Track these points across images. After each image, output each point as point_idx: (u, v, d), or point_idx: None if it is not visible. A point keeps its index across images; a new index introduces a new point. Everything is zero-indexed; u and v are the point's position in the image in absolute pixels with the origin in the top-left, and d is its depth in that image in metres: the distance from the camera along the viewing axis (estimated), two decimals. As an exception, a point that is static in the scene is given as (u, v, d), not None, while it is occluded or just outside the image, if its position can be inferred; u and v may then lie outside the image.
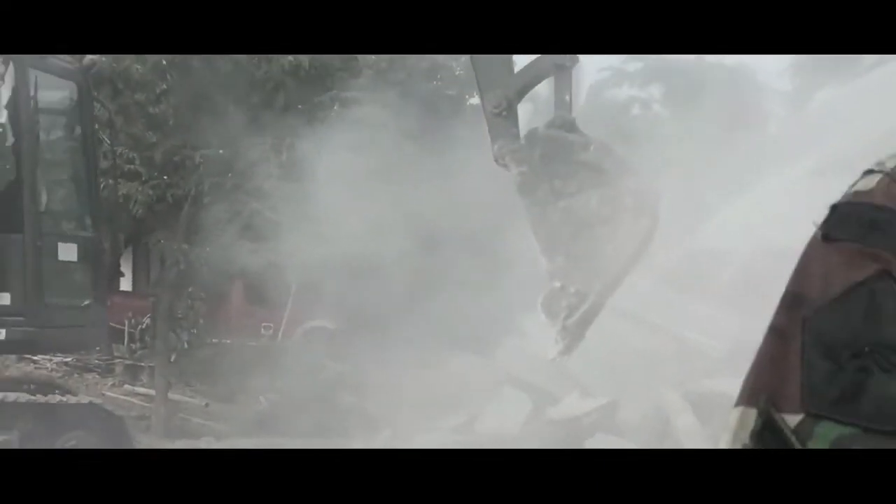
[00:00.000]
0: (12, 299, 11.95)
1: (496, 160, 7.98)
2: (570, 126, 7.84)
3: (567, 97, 7.92)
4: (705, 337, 15.54)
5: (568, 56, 7.94)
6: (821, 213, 1.77)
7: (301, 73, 19.17)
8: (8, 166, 12.39)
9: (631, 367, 15.00)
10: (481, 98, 8.22)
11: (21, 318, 11.98)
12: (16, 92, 11.92)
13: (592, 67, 26.70)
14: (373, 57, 24.87)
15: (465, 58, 29.01)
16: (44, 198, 11.93)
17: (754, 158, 21.10)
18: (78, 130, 13.20)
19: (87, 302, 12.92)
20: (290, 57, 18.80)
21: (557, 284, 7.59)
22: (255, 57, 18.00)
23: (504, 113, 8.00)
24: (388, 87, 21.96)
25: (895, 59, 16.98)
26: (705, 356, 15.25)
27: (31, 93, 12.07)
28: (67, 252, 12.66)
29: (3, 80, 11.65)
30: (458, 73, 29.25)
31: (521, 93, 8.20)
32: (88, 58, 13.44)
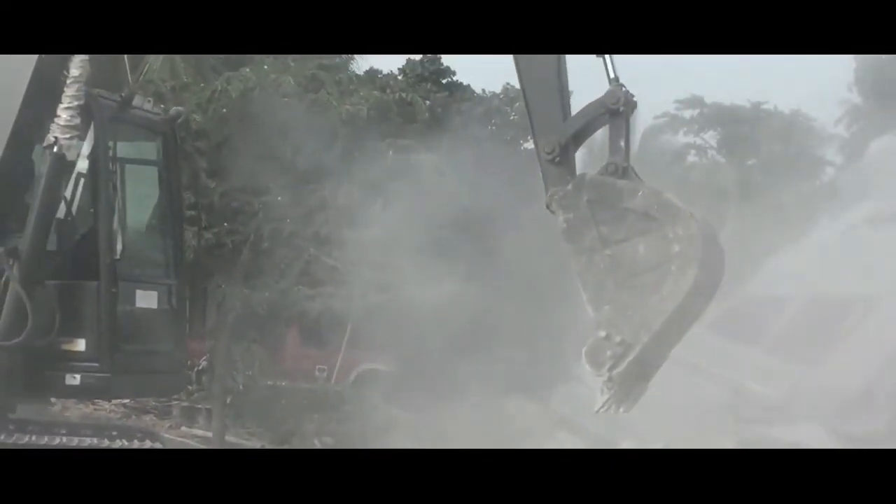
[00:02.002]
0: (87, 345, 12.11)
1: (547, 206, 7.86)
2: (624, 172, 7.74)
3: (622, 143, 7.82)
4: (760, 385, 15.51)
5: (623, 101, 7.83)
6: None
7: (358, 122, 19.39)
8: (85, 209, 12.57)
9: (685, 414, 14.97)
10: (535, 143, 8.14)
11: (95, 364, 12.15)
12: (96, 142, 12.18)
13: (648, 114, 26.73)
14: (427, 102, 25.12)
15: (519, 102, 29.24)
16: (119, 246, 12.11)
17: (810, 206, 21.07)
18: (164, 179, 13.41)
19: (165, 348, 13.10)
20: (348, 105, 19.05)
21: (602, 334, 7.44)
22: (314, 105, 18.27)
23: (558, 159, 7.90)
24: (442, 133, 22.13)
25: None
26: (760, 404, 15.23)
27: (110, 143, 12.33)
28: (147, 299, 12.81)
29: (80, 130, 11.90)
30: (512, 117, 29.43)
31: (577, 139, 8.01)
32: (175, 109, 13.73)
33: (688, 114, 34.03)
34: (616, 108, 7.83)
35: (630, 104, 7.90)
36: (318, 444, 20.89)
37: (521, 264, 18.76)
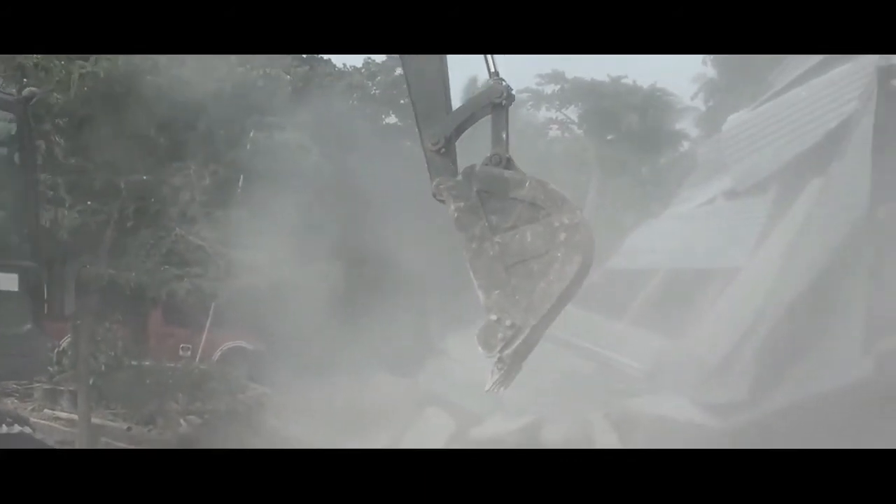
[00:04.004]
0: None
1: (434, 195, 8.16)
2: (507, 163, 8.06)
3: (504, 135, 8.11)
4: (625, 357, 15.84)
5: (505, 95, 8.17)
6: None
7: (223, 98, 19.22)
8: None
9: (553, 387, 15.25)
10: (420, 135, 8.40)
11: None
12: None
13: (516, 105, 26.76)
14: (287, 76, 24.98)
15: (380, 76, 29.31)
16: None
17: (670, 179, 21.49)
18: (19, 160, 13.18)
19: (25, 331, 12.91)
20: (212, 81, 18.86)
21: (494, 318, 7.78)
22: (176, 83, 18.05)
23: (442, 150, 8.19)
24: (304, 108, 22.07)
25: (803, 85, 17.46)
26: (626, 376, 15.56)
27: None
28: (7, 282, 12.64)
29: None
30: (373, 92, 29.38)
31: (459, 130, 8.37)
32: (28, 89, 13.48)
33: (549, 89, 34.55)
34: (499, 102, 8.14)
35: (510, 97, 8.27)
36: (183, 424, 20.75)
37: (387, 241, 18.84)
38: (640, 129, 31.21)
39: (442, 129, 8.24)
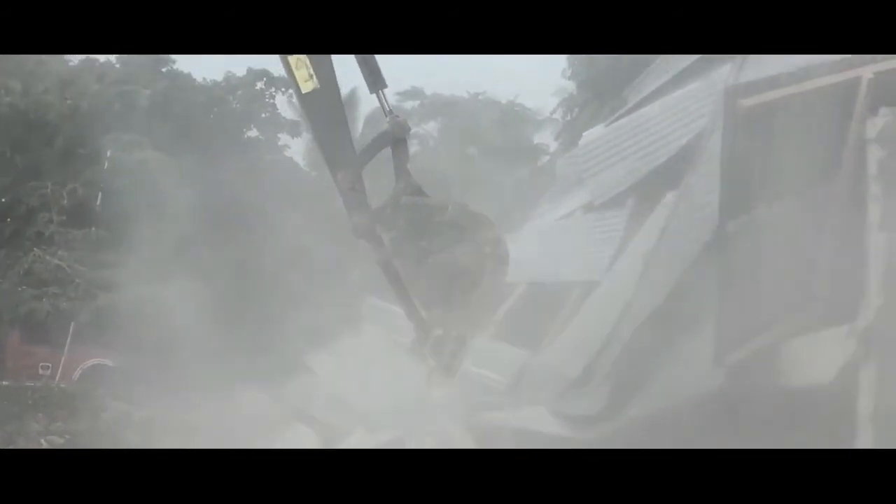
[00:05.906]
0: None
1: (355, 231, 8.90)
2: (418, 191, 8.93)
3: (408, 166, 9.00)
4: (486, 370, 15.98)
5: (405, 128, 9.11)
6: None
7: (78, 116, 19.09)
8: None
9: (415, 401, 15.33)
10: (333, 177, 9.04)
11: None
12: None
13: (368, 106, 26.76)
14: (147, 91, 24.79)
15: (241, 90, 29.14)
16: None
17: (530, 193, 21.69)
18: None
19: None
20: (69, 100, 18.72)
21: (439, 332, 8.66)
22: (32, 100, 17.90)
23: (356, 187, 8.91)
24: (165, 122, 21.94)
25: (656, 101, 17.81)
26: (487, 388, 15.69)
27: None
28: None
29: None
30: (235, 106, 29.25)
31: (363, 166, 9.06)
32: None
33: (409, 105, 34.96)
34: (401, 136, 9.07)
35: (408, 130, 9.27)
36: (44, 444, 20.47)
37: (252, 258, 18.85)
38: (499, 142, 31.65)
39: (354, 170, 8.95)
